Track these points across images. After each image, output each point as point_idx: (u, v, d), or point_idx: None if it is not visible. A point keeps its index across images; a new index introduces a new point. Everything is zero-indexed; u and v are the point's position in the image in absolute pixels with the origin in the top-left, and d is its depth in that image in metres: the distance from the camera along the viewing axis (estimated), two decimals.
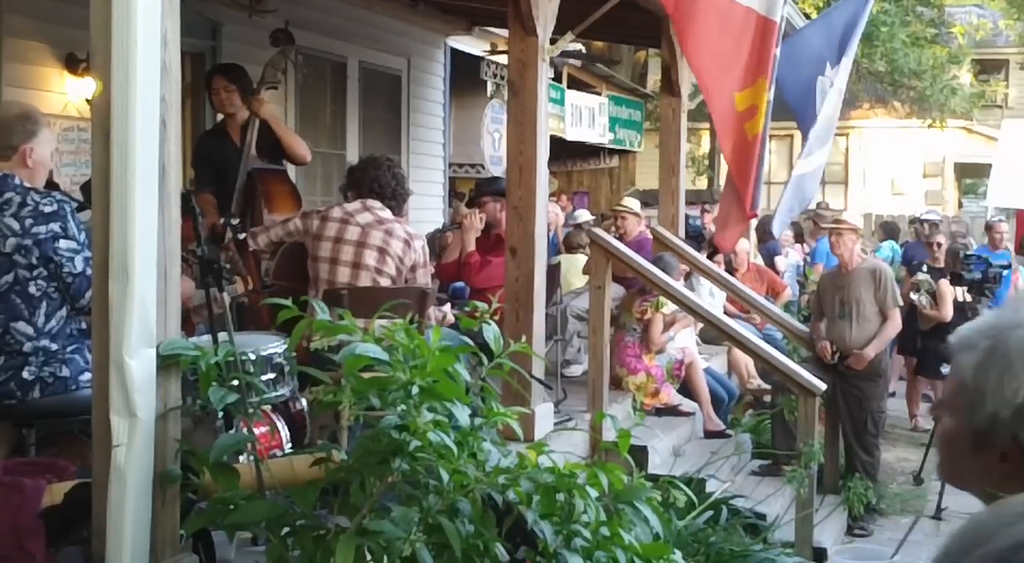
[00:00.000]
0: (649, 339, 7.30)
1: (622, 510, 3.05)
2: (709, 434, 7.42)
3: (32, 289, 3.71)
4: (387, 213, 5.07)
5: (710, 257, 8.92)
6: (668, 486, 3.62)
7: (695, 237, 10.78)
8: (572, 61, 14.60)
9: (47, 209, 3.70)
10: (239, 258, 5.59)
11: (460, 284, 6.92)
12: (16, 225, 3.67)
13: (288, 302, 2.92)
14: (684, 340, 7.87)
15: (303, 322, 2.92)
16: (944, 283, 9.67)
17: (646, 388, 7.27)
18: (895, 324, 7.34)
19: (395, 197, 5.14)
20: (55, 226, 3.69)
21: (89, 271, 3.61)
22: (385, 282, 4.93)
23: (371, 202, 5.05)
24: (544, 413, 5.44)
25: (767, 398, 8.01)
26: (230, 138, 6.08)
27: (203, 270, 3.57)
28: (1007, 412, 1.38)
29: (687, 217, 12.32)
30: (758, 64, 6.49)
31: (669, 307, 7.27)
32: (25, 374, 3.71)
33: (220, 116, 6.40)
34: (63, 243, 3.70)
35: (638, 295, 7.44)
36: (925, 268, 10.07)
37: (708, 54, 6.23)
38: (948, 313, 9.59)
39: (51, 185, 5.70)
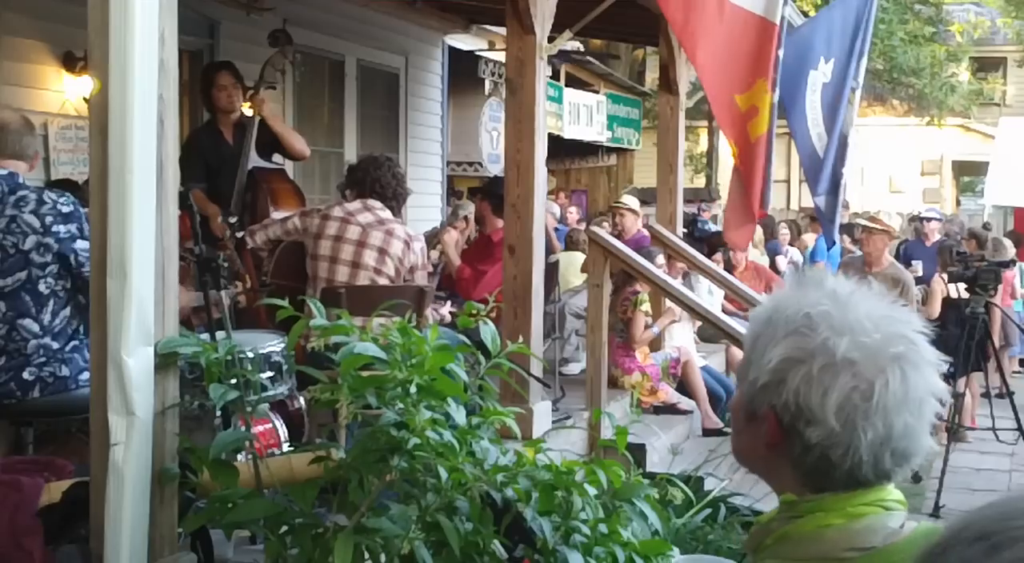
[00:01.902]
0: (631, 337, 7.30)
1: (620, 507, 3.05)
2: (707, 432, 7.42)
3: (42, 287, 3.75)
4: (387, 213, 5.07)
5: (708, 255, 8.91)
6: (666, 484, 3.62)
7: (700, 238, 10.76)
8: (570, 58, 14.60)
9: (65, 209, 3.76)
10: (237, 257, 5.59)
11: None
12: (36, 223, 3.71)
13: (284, 303, 2.92)
14: (681, 338, 7.87)
15: (300, 322, 2.92)
16: (936, 280, 9.68)
17: (642, 387, 7.27)
18: None
19: (395, 197, 5.15)
20: (73, 227, 3.75)
21: None
22: (383, 282, 4.93)
23: (372, 202, 5.06)
24: (542, 411, 5.44)
25: None
26: (223, 136, 6.08)
27: (201, 269, 3.57)
28: (764, 378, 1.40)
29: (696, 219, 12.33)
30: (756, 66, 6.49)
31: (648, 307, 7.30)
32: (26, 374, 3.74)
33: (207, 113, 6.39)
34: (81, 244, 3.73)
35: (619, 292, 7.41)
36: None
37: (709, 57, 6.24)
38: (935, 311, 9.59)
39: (67, 184, 5.76)
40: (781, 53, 6.59)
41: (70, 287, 3.79)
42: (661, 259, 7.50)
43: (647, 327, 7.39)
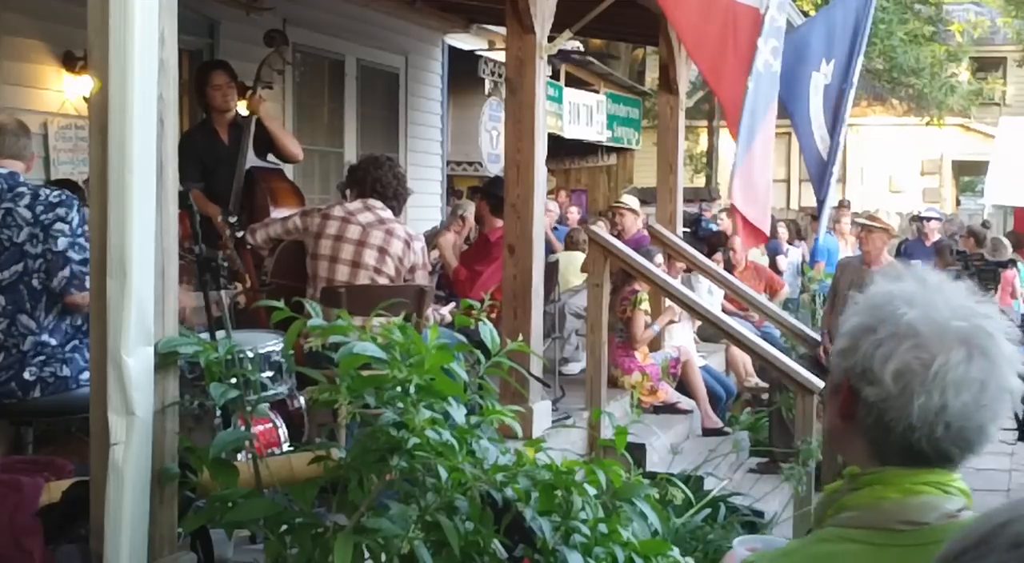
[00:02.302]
0: (632, 336, 7.29)
1: (620, 507, 3.05)
2: (707, 432, 7.43)
3: (35, 282, 3.79)
4: (388, 213, 5.07)
5: (708, 255, 8.91)
6: (666, 483, 3.62)
7: (703, 238, 10.75)
8: (570, 58, 14.60)
9: (55, 200, 3.84)
10: (237, 256, 5.58)
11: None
12: (29, 214, 3.80)
13: (281, 304, 2.92)
14: (681, 338, 7.86)
15: (297, 323, 2.92)
16: None
17: (642, 387, 7.26)
18: None
19: (396, 197, 5.14)
20: (60, 211, 3.82)
21: (71, 254, 3.76)
22: (383, 281, 4.93)
23: (372, 202, 5.06)
24: (542, 411, 5.44)
25: (765, 396, 8.02)
26: (218, 136, 6.07)
27: (201, 268, 3.57)
28: (841, 344, 1.49)
29: (699, 218, 12.31)
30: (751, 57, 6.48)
31: (647, 305, 7.29)
32: (26, 374, 3.76)
33: (203, 113, 6.38)
34: (58, 225, 3.81)
35: (618, 291, 7.40)
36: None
37: (712, 57, 6.23)
38: None
39: (68, 184, 5.77)
40: (771, 43, 6.54)
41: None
42: (660, 258, 7.50)
43: (647, 326, 7.38)
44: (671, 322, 7.65)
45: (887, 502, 1.43)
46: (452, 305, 6.22)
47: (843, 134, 8.17)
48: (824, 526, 1.50)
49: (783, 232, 12.76)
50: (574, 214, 12.80)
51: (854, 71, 8.06)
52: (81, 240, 3.76)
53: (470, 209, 7.99)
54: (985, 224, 14.77)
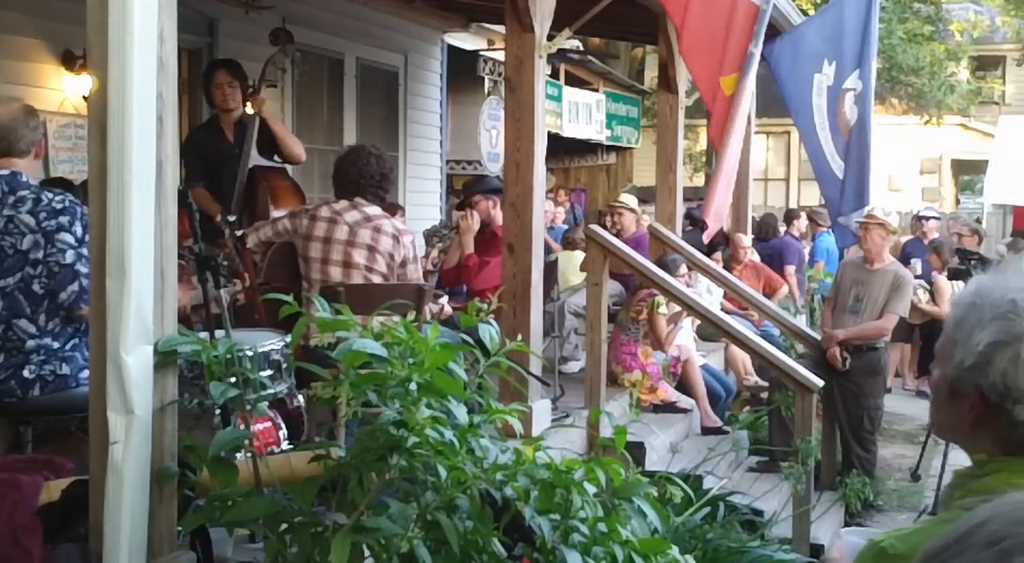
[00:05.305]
0: (656, 339, 7.28)
1: (619, 506, 3.06)
2: (706, 430, 7.43)
3: (36, 287, 3.76)
4: (374, 209, 5.03)
5: (708, 253, 8.91)
6: (665, 482, 3.62)
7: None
8: (569, 57, 14.60)
9: (58, 206, 3.78)
10: (236, 255, 5.58)
11: (462, 286, 6.96)
12: (32, 221, 3.74)
13: (289, 298, 2.92)
14: (681, 337, 7.87)
15: (303, 319, 2.92)
16: (942, 279, 9.68)
17: (642, 385, 7.26)
18: (881, 325, 7.27)
19: (381, 187, 5.11)
20: (63, 219, 3.76)
21: (79, 267, 3.69)
22: (376, 280, 4.91)
23: (358, 199, 5.04)
24: (541, 410, 5.44)
25: (764, 394, 8.02)
26: (223, 134, 6.07)
27: (200, 267, 3.57)
28: (971, 360, 1.48)
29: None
30: (742, 49, 6.50)
31: (665, 308, 7.27)
32: (26, 373, 3.74)
33: (212, 111, 6.38)
34: (62, 235, 3.75)
35: (639, 293, 7.42)
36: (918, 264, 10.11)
37: (696, 38, 6.27)
38: (946, 310, 9.57)
39: (62, 183, 5.75)
40: (755, 48, 6.56)
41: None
42: (684, 269, 7.52)
43: (669, 331, 7.36)
44: (683, 317, 7.64)
45: (1013, 488, 1.44)
46: (446, 298, 6.22)
47: (871, 137, 8.16)
48: (951, 508, 1.54)
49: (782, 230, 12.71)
50: (560, 216, 12.33)
51: (870, 74, 8.06)
52: (85, 250, 3.66)
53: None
54: (978, 220, 14.79)
